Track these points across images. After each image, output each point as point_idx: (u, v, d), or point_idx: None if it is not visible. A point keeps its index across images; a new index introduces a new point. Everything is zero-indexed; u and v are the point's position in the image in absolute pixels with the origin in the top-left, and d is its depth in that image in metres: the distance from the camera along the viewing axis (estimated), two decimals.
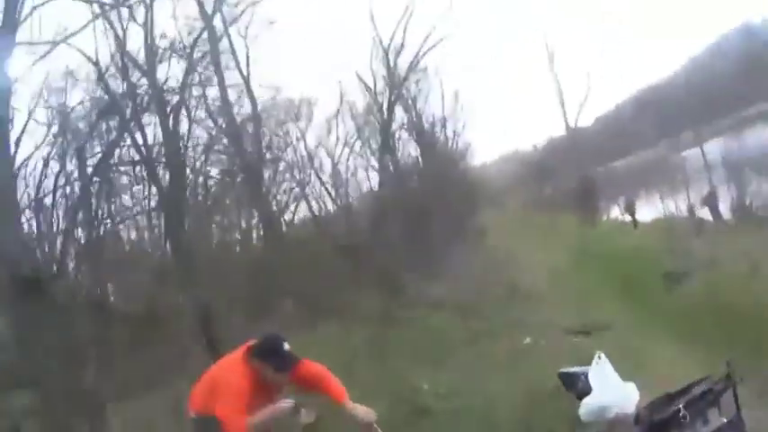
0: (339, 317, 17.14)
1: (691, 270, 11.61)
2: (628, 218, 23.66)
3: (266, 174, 24.63)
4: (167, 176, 17.25)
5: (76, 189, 17.36)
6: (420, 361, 10.27)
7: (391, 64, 23.94)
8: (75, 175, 17.04)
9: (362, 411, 5.14)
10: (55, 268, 13.33)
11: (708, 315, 8.83)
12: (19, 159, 16.11)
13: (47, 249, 16.05)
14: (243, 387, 5.02)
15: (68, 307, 10.76)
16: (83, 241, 16.87)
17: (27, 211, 16.10)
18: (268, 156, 25.12)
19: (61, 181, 16.61)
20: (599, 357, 5.80)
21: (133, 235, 21.59)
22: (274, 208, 25.83)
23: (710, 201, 17.71)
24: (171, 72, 17.26)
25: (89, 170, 17.11)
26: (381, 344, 12.38)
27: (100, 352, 11.39)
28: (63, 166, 17.32)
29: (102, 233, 19.00)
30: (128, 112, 16.21)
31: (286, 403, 5.23)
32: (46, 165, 16.43)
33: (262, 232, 24.78)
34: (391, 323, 15.22)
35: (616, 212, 28.00)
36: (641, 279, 12.26)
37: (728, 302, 8.93)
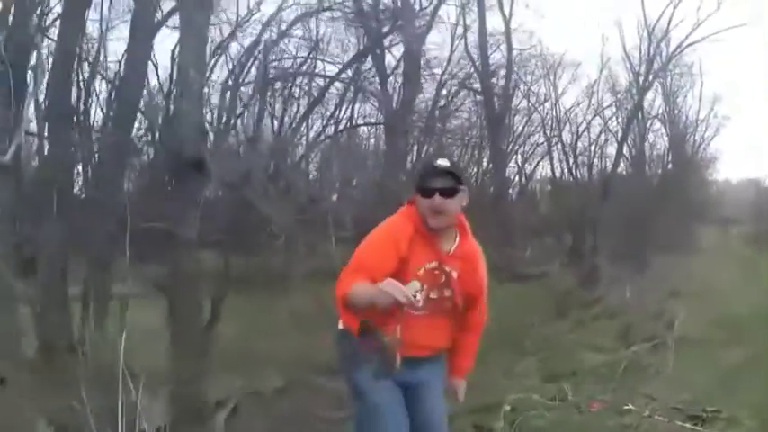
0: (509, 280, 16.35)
1: None
2: None
3: (513, 123, 24.10)
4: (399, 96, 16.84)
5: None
6: (533, 369, 9.36)
7: (653, 48, 21.91)
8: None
9: (463, 393, 4.10)
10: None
11: None
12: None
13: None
14: (407, 229, 3.56)
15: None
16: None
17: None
18: (523, 104, 24.48)
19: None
20: None
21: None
22: (519, 160, 25.46)
23: None
24: None
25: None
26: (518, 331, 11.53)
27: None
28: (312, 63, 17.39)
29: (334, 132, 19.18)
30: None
31: (405, 290, 3.06)
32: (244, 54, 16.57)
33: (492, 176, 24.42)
34: (557, 311, 14.24)
35: None
36: None
37: None
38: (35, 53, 9.51)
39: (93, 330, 9.61)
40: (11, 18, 9.74)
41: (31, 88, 8.98)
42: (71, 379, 7.36)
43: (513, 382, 8.61)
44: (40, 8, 11.33)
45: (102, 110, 14.92)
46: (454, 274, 3.63)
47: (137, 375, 6.36)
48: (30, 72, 9.29)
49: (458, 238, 3.71)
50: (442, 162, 3.60)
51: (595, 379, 9.09)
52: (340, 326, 3.78)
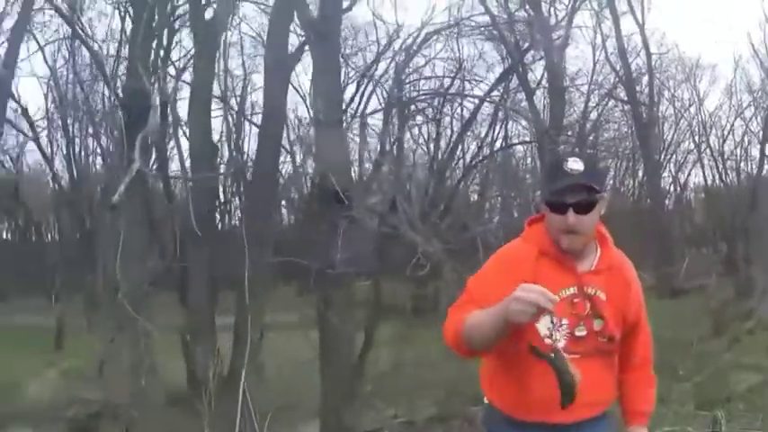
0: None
1: None
2: None
3: (662, 131, 22.90)
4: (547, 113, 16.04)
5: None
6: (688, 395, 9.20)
7: None
8: None
9: None
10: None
11: None
12: None
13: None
14: (529, 252, 2.60)
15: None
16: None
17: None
18: (670, 111, 23.24)
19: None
20: None
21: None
22: (672, 168, 24.23)
23: None
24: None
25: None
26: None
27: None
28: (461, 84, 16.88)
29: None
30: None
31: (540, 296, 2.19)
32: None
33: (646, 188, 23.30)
34: (714, 327, 13.73)
35: None
36: None
37: None
38: (153, 96, 9.32)
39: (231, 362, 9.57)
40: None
41: (144, 131, 8.76)
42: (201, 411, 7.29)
43: (668, 409, 7.81)
44: (172, 51, 11.39)
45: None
46: (602, 296, 2.60)
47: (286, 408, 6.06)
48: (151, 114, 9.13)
49: (598, 250, 2.67)
50: (575, 165, 2.50)
51: (748, 405, 8.91)
52: (485, 400, 2.82)
